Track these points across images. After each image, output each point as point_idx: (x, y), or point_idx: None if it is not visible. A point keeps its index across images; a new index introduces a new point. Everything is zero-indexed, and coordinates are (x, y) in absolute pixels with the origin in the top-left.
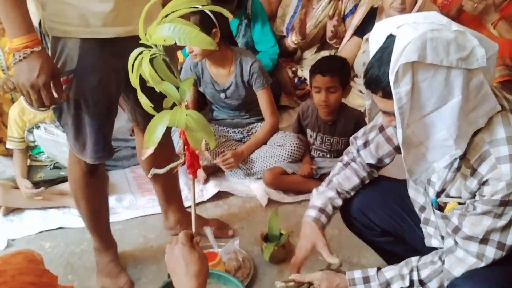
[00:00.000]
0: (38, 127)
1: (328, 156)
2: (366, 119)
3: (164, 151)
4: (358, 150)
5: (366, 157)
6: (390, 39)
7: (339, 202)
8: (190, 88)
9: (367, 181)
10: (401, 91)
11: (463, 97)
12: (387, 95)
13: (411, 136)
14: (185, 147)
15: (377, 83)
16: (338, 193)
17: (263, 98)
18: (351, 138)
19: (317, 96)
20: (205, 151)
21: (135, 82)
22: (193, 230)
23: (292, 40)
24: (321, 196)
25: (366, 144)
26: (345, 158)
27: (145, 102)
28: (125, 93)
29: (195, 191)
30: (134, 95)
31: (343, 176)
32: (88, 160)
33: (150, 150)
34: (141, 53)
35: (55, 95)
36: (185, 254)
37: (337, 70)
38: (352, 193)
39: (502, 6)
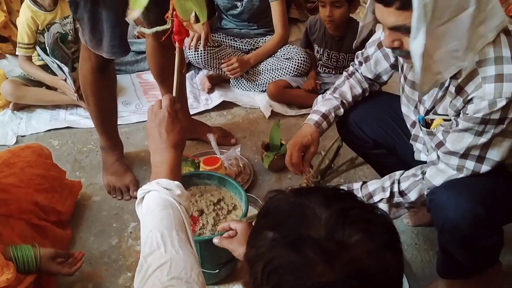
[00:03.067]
0: (48, 29)
1: (334, 72)
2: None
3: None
4: (360, 63)
5: (365, 72)
6: None
7: (341, 112)
8: None
9: (367, 93)
10: None
11: (476, 7)
12: (404, 6)
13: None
14: (173, 12)
15: None
16: (342, 103)
17: (276, 9)
18: (357, 52)
19: (322, 11)
20: (194, 24)
21: None
22: (174, 94)
23: None
24: (327, 103)
25: (366, 58)
26: (350, 68)
27: None
28: None
29: (200, 100)
30: None
31: (348, 85)
32: (104, 54)
33: (136, 12)
34: None
35: None
36: (168, 122)
37: None
38: (352, 104)
39: None
